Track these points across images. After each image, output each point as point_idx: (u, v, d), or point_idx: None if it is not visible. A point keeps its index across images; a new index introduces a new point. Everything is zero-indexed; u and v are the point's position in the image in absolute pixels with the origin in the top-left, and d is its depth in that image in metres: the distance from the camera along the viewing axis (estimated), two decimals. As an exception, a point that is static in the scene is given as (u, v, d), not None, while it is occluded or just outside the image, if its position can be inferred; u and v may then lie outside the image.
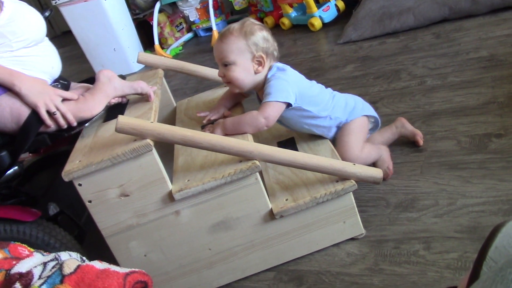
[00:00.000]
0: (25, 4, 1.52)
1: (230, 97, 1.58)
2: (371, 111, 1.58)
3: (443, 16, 2.54)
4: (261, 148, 1.25)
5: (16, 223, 1.38)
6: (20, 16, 1.44)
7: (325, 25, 3.20)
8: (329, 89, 1.55)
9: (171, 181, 1.28)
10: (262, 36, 1.41)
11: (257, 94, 1.52)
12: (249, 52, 1.40)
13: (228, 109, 1.56)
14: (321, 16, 3.17)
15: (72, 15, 3.49)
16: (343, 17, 3.14)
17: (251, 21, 1.44)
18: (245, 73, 1.41)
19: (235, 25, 1.42)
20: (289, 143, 1.56)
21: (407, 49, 2.41)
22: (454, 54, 2.16)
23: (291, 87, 1.40)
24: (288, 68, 1.46)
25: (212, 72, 1.79)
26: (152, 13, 3.81)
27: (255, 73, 1.42)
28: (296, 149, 1.50)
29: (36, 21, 1.50)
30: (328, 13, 3.19)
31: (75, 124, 1.38)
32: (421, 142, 1.62)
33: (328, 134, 1.54)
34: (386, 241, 1.32)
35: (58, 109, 1.35)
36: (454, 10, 2.51)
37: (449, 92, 1.87)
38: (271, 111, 1.38)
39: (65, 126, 1.37)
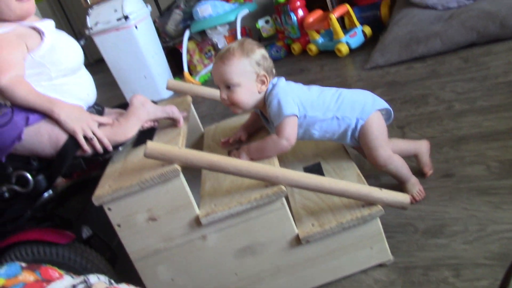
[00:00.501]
0: (64, 34, 1.59)
1: (252, 122, 1.60)
2: (383, 104, 1.52)
3: (471, 41, 2.53)
4: (287, 173, 1.25)
5: (53, 245, 1.42)
6: (60, 46, 1.50)
7: (352, 50, 3.22)
8: (333, 89, 1.50)
9: (198, 206, 1.30)
10: (261, 54, 1.40)
11: (260, 111, 1.51)
12: (253, 72, 1.38)
13: (250, 134, 1.57)
14: (348, 42, 3.19)
15: (104, 44, 3.60)
16: (370, 43, 3.16)
17: (248, 40, 1.43)
18: (249, 94, 1.40)
19: (234, 45, 1.40)
20: (315, 168, 1.56)
21: (434, 73, 2.40)
22: (483, 79, 2.14)
23: (291, 97, 1.39)
24: (281, 79, 1.45)
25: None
26: (182, 41, 3.90)
27: (259, 92, 1.41)
28: (322, 174, 1.50)
29: (74, 51, 1.56)
30: (355, 39, 3.21)
31: (111, 148, 1.42)
32: (428, 175, 1.62)
33: (345, 137, 1.50)
34: (414, 267, 1.30)
35: (95, 135, 1.39)
36: (482, 34, 2.49)
37: (478, 116, 1.85)
38: (289, 130, 1.38)
39: (102, 151, 1.41)
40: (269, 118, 1.44)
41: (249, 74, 1.38)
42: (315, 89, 1.49)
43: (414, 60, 2.67)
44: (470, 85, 2.12)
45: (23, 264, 0.90)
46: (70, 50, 1.56)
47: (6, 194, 1.41)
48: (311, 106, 1.43)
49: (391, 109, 1.55)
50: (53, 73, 1.46)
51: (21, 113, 1.36)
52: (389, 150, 1.50)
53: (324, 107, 1.44)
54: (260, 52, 1.40)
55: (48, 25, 1.55)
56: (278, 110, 1.38)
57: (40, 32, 1.48)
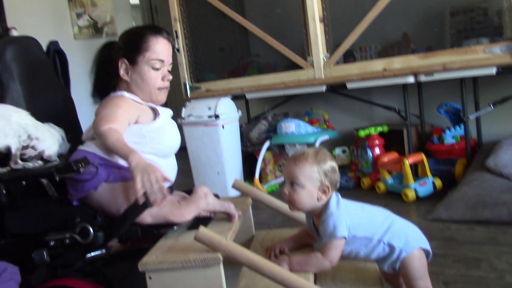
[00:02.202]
0: (174, 124, 1.83)
1: (298, 238, 1.68)
2: (426, 244, 1.55)
3: (539, 218, 2.51)
4: (318, 292, 1.31)
5: None
6: (166, 130, 1.76)
7: (418, 198, 3.26)
8: (386, 212, 1.56)
9: (229, 299, 1.36)
10: (331, 166, 1.51)
11: (312, 220, 1.58)
12: (318, 180, 1.48)
13: (293, 248, 1.64)
14: (416, 189, 3.25)
15: (191, 135, 3.90)
16: (437, 195, 3.19)
17: (324, 151, 1.54)
18: (308, 198, 1.49)
19: (310, 152, 1.51)
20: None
21: (494, 241, 2.39)
22: (541, 258, 2.10)
23: (344, 220, 1.46)
24: (339, 197, 1.52)
25: (299, 214, 1.88)
26: (260, 149, 4.12)
27: (318, 200, 1.50)
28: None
29: (175, 140, 1.81)
30: (424, 188, 3.27)
31: (168, 197, 1.51)
32: None
33: (384, 263, 1.54)
34: None
35: (156, 184, 1.47)
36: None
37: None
38: (334, 253, 1.45)
39: (158, 202, 1.50)
40: (320, 231, 1.52)
41: (314, 180, 1.49)
42: (368, 209, 1.56)
43: (476, 223, 2.66)
44: (527, 261, 2.09)
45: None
46: (172, 138, 1.79)
47: (67, 241, 1.55)
48: (362, 227, 1.50)
49: (431, 252, 1.57)
50: (147, 148, 1.67)
51: (105, 170, 1.57)
52: (429, 283, 1.51)
53: (374, 229, 1.51)
54: (331, 164, 1.51)
55: (166, 111, 1.82)
56: (331, 231, 1.46)
57: (156, 113, 1.74)
